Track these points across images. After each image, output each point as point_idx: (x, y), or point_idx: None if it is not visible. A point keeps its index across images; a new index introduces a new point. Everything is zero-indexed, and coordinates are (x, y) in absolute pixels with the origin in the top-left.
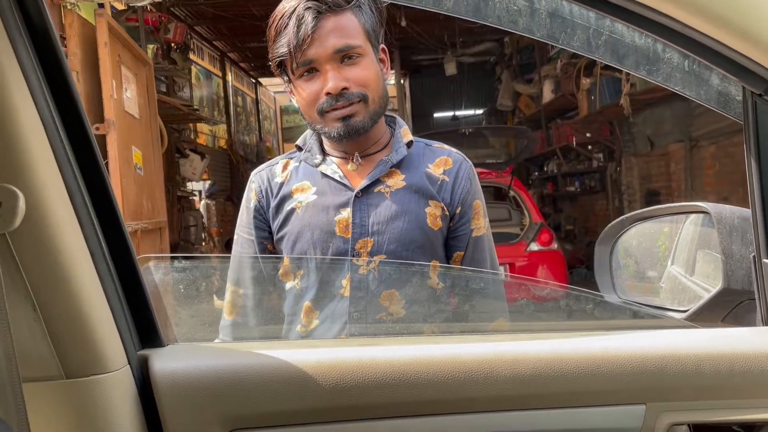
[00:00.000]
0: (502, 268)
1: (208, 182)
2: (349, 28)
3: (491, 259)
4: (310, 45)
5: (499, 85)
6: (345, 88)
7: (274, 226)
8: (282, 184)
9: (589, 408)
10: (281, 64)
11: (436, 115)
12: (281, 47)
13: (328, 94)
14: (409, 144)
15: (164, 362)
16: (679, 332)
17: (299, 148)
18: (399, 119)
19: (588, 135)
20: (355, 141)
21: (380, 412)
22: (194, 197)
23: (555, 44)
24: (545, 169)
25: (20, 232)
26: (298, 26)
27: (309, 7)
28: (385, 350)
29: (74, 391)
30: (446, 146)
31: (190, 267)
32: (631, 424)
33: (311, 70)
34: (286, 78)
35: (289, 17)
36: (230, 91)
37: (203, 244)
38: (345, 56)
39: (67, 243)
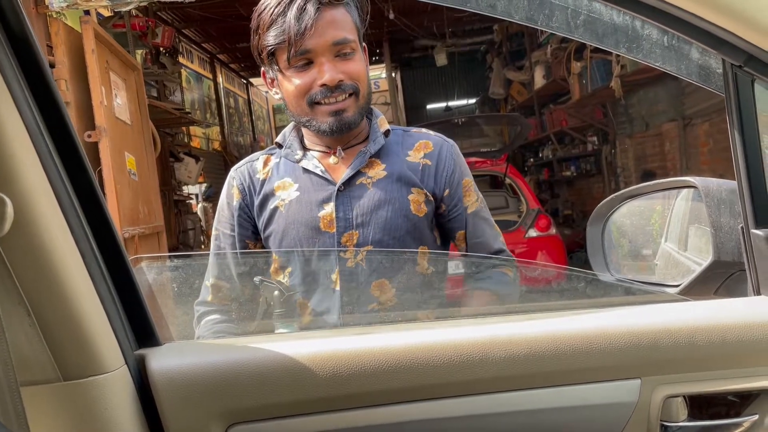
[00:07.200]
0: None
1: (204, 185)
2: (344, 22)
3: (491, 228)
4: (309, 36)
5: (490, 73)
6: (341, 81)
7: (260, 224)
8: (264, 181)
9: (585, 385)
10: (270, 53)
11: (429, 106)
12: (278, 36)
13: (323, 85)
14: (387, 133)
15: (161, 361)
16: (672, 306)
17: (279, 146)
18: (375, 110)
19: (582, 119)
20: (342, 136)
21: (378, 400)
22: (191, 200)
23: (534, 26)
24: (540, 155)
25: (10, 237)
26: (300, 16)
27: None
28: (381, 338)
29: (73, 393)
30: (424, 130)
31: (183, 265)
32: (627, 398)
33: (304, 61)
34: (276, 68)
35: (288, 6)
36: (222, 93)
37: (202, 246)
38: (340, 50)
39: (57, 246)
